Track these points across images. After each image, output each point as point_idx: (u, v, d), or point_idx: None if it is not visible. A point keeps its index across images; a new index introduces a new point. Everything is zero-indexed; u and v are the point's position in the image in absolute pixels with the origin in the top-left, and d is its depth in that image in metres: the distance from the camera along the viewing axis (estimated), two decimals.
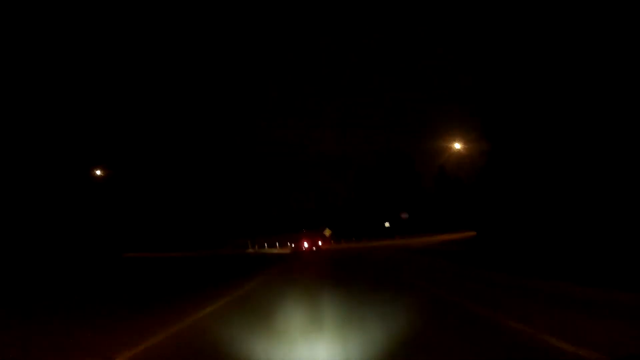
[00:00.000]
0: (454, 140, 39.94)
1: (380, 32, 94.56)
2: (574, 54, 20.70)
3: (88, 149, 33.72)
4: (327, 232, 52.07)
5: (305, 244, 41.68)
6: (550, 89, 23.07)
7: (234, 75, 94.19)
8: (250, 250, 47.79)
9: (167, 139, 63.64)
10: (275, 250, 45.92)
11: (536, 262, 13.76)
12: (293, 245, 44.95)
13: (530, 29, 24.51)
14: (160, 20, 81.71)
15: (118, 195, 36.07)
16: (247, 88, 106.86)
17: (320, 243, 43.27)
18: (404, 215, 44.55)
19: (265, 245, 51.60)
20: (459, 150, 40.95)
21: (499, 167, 30.30)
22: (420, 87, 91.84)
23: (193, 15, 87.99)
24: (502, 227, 26.96)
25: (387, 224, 71.61)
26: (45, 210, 25.86)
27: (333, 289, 9.68)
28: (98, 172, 35.96)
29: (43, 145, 28.45)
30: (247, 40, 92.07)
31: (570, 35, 20.61)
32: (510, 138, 28.01)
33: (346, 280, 12.06)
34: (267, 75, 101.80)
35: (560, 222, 20.71)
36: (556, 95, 22.39)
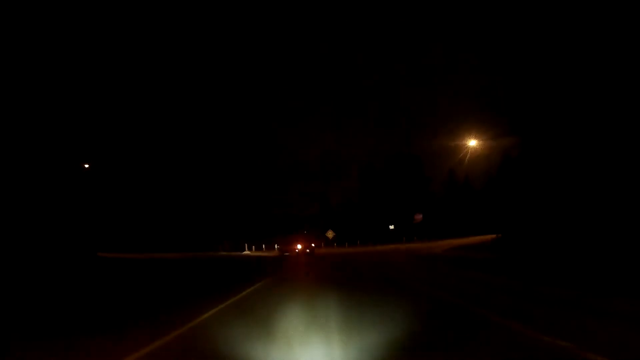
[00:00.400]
0: (469, 138, 36.73)
1: (385, 31, 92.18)
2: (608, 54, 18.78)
3: (74, 143, 31.22)
4: (330, 234, 48.49)
5: (299, 246, 38.33)
6: (581, 85, 21.16)
7: (232, 76, 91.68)
8: (247, 252, 44.70)
9: (162, 138, 61.13)
10: (273, 253, 42.70)
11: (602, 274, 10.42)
12: (278, 247, 41.48)
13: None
14: (161, 23, 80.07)
15: (99, 191, 33.15)
16: (247, 89, 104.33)
17: (313, 245, 40.09)
18: (418, 217, 40.87)
19: (263, 247, 48.64)
20: (474, 147, 37.68)
21: (526, 164, 27.36)
22: (430, 86, 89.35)
23: (194, 17, 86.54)
24: (532, 229, 23.49)
25: (391, 227, 68.21)
26: (9, 204, 22.71)
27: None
28: (86, 166, 33.85)
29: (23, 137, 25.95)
30: (246, 43, 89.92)
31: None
32: (540, 134, 25.63)
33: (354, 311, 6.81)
34: (267, 76, 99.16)
35: (595, 222, 18.25)
36: (588, 92, 20.30)
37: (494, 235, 37.29)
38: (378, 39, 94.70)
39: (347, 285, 11.11)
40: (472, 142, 36.70)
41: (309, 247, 38.32)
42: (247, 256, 36.67)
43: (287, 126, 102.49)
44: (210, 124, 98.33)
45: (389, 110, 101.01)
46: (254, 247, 45.77)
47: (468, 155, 38.42)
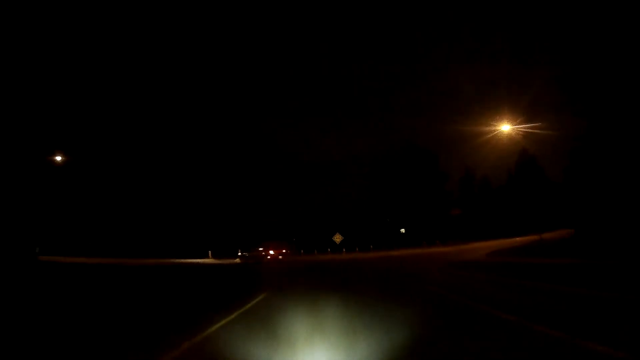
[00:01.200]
0: (501, 123, 30.59)
1: (385, 31, 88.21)
2: None
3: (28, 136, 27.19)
4: (338, 238, 42.28)
5: (271, 252, 35.02)
6: None
7: (231, 76, 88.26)
8: (238, 259, 39.09)
9: (158, 137, 57.68)
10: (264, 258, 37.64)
11: None
12: (242, 254, 36.18)
13: None
14: (162, 23, 77.87)
15: (61, 187, 28.06)
16: (246, 89, 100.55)
17: (284, 251, 38.84)
18: (456, 211, 35.46)
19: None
20: (508, 133, 31.47)
21: (597, 152, 21.95)
22: (432, 84, 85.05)
23: (194, 17, 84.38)
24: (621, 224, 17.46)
25: (402, 230, 62.68)
26: None
27: None
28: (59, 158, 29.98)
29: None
30: (245, 43, 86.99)
31: None
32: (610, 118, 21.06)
33: None
34: (266, 76, 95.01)
35: None
36: None
37: (537, 236, 32.04)
38: (378, 39, 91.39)
39: None
40: (506, 127, 30.63)
41: (281, 253, 35.66)
42: (215, 264, 30.80)
43: (288, 126, 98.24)
44: (209, 124, 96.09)
45: (391, 110, 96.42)
46: (247, 253, 40.07)
47: (503, 139, 32.45)
